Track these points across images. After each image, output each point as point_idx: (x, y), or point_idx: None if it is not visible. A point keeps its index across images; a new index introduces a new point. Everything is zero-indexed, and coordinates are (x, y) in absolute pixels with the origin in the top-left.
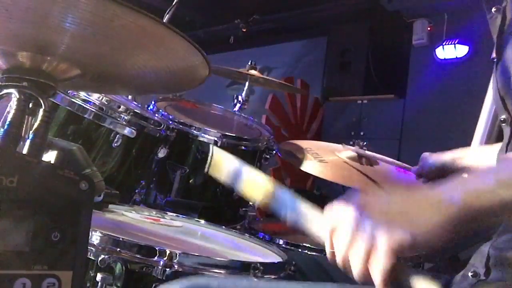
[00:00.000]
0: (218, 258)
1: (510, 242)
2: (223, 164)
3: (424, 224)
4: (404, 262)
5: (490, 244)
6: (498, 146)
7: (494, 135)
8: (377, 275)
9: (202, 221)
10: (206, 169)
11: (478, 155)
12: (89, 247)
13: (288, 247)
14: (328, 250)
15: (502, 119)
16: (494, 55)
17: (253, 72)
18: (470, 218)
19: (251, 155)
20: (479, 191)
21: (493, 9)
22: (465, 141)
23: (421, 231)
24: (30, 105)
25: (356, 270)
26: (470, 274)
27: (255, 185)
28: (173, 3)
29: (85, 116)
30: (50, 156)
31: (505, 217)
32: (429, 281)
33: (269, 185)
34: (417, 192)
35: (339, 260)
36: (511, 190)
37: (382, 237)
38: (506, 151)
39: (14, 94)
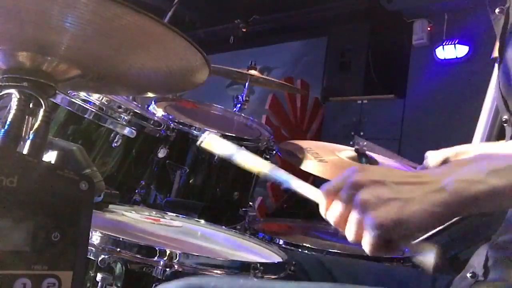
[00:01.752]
0: (218, 258)
1: (508, 243)
2: (217, 146)
3: (414, 205)
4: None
5: (489, 245)
6: (501, 143)
7: (494, 135)
8: (366, 245)
9: (202, 221)
10: (198, 143)
11: (481, 150)
12: (89, 247)
13: (288, 247)
14: (322, 213)
15: (504, 120)
16: (495, 55)
17: (253, 72)
18: (461, 205)
19: None
20: (471, 178)
21: (497, 10)
22: (465, 141)
23: (410, 211)
24: (31, 105)
25: (348, 236)
26: (468, 275)
27: (250, 166)
28: (173, 3)
29: (85, 116)
30: (50, 156)
31: (497, 204)
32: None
33: (264, 167)
34: (417, 172)
35: (332, 223)
36: (503, 178)
37: (371, 212)
38: None
39: (14, 94)
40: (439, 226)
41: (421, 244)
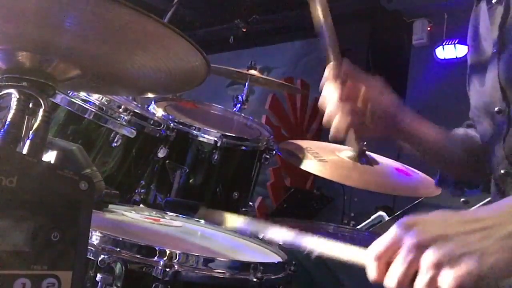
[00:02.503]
0: (218, 258)
1: None
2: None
3: (491, 256)
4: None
5: None
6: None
7: None
8: None
9: (202, 221)
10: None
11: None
12: (89, 247)
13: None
14: (374, 277)
15: (497, 110)
16: (487, 48)
17: (253, 72)
18: None
19: (251, 155)
20: None
21: (494, 0)
22: None
23: (487, 264)
24: (30, 105)
25: None
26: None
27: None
28: (173, 3)
29: (85, 116)
30: (50, 156)
31: None
32: None
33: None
34: (475, 214)
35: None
36: None
37: (446, 273)
38: (504, 142)
39: (14, 94)
40: None
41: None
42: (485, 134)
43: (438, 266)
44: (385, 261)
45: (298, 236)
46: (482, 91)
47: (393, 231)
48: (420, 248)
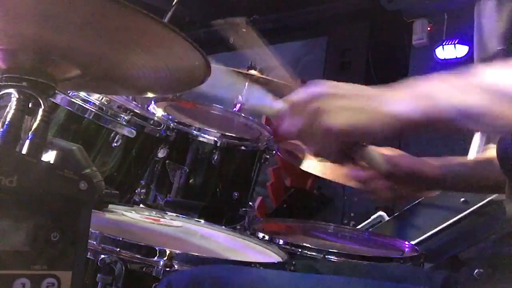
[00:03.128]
0: (218, 258)
1: (506, 238)
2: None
3: (365, 116)
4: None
5: (494, 243)
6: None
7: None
8: (324, 154)
9: (202, 221)
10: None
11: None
12: (89, 247)
13: (288, 247)
14: (284, 128)
15: None
16: (494, 45)
17: (253, 72)
18: (417, 123)
19: (251, 155)
20: (435, 97)
21: None
22: (465, 141)
23: (359, 122)
24: (30, 105)
25: (308, 146)
26: (475, 273)
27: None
28: (173, 3)
29: (85, 116)
30: (49, 156)
31: (450, 129)
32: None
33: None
34: (373, 88)
35: (286, 131)
36: (453, 100)
37: (320, 122)
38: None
39: (14, 94)
40: (387, 138)
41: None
42: None
43: (317, 113)
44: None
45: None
46: None
47: (306, 88)
48: (312, 98)
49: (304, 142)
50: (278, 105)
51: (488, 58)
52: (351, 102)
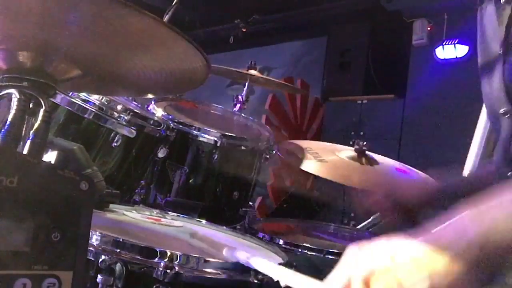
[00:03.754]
0: (219, 260)
1: None
2: None
3: (440, 278)
4: None
5: None
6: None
7: (494, 136)
8: None
9: (202, 221)
10: None
11: None
12: (89, 248)
13: (288, 247)
14: None
15: (502, 112)
16: (495, 49)
17: (253, 72)
18: (492, 255)
19: (251, 155)
20: (497, 223)
21: (502, 0)
22: (465, 141)
23: (441, 276)
24: (31, 105)
25: None
26: None
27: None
28: (173, 3)
29: (85, 116)
30: (50, 156)
31: None
32: None
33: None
34: (424, 236)
35: None
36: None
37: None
38: (510, 144)
39: (15, 94)
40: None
41: None
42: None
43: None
44: None
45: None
46: (490, 92)
47: (342, 264)
48: (367, 283)
49: None
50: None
51: (490, 61)
52: (415, 272)
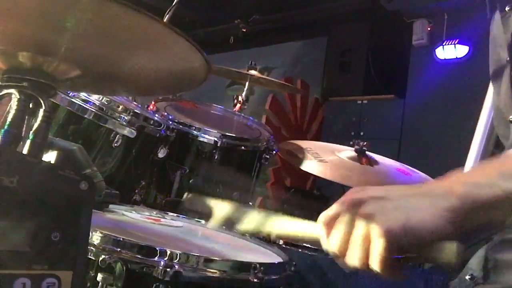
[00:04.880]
0: (219, 259)
1: (504, 243)
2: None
3: (421, 212)
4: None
5: (487, 247)
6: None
7: (494, 136)
8: (376, 263)
9: (202, 221)
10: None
11: None
12: (89, 247)
13: (288, 247)
14: (323, 243)
15: (511, 119)
16: (503, 56)
17: (253, 72)
18: (471, 210)
19: (251, 155)
20: (481, 182)
21: (507, 8)
22: (465, 142)
23: (417, 218)
24: (31, 105)
25: (354, 260)
26: (467, 277)
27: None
28: (173, 3)
29: (85, 116)
30: (50, 156)
31: (507, 210)
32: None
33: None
34: (415, 185)
35: (335, 251)
36: None
37: (376, 226)
38: None
39: (14, 94)
40: (450, 234)
41: (439, 244)
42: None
43: (369, 218)
44: (331, 225)
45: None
46: (497, 99)
47: (339, 199)
48: (355, 206)
49: (352, 254)
50: (315, 227)
51: (499, 69)
52: (401, 203)
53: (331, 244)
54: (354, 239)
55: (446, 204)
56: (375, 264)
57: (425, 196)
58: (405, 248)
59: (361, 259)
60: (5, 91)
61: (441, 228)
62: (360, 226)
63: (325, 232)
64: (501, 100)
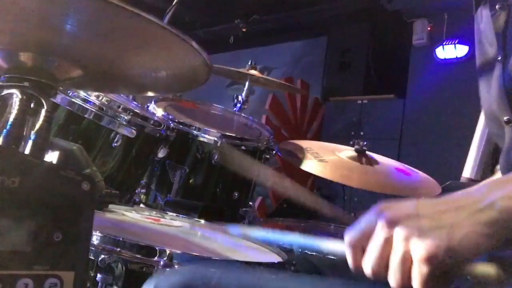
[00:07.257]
0: (218, 258)
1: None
2: None
3: (462, 229)
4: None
5: None
6: None
7: (489, 153)
8: (418, 284)
9: (202, 221)
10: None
11: None
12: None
13: (288, 247)
14: (352, 264)
15: (506, 120)
16: (492, 54)
17: (253, 72)
18: (511, 223)
19: (251, 155)
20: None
21: (497, 6)
22: (465, 142)
23: (458, 237)
24: (32, 105)
25: (395, 281)
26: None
27: None
28: (173, 3)
29: (85, 116)
30: (51, 157)
31: None
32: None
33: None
34: (446, 198)
35: (369, 273)
36: None
37: (416, 245)
38: (507, 154)
39: (16, 94)
40: (492, 248)
41: (476, 265)
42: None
43: (407, 239)
44: (361, 247)
45: (280, 233)
46: (489, 98)
47: (366, 216)
48: (390, 227)
49: (391, 276)
50: (340, 244)
51: (488, 65)
52: (437, 220)
53: (364, 266)
54: (392, 261)
55: (486, 218)
56: (418, 285)
57: (461, 210)
58: (448, 268)
59: (402, 281)
60: (6, 91)
61: (483, 245)
62: (399, 248)
63: (354, 252)
64: (492, 99)
